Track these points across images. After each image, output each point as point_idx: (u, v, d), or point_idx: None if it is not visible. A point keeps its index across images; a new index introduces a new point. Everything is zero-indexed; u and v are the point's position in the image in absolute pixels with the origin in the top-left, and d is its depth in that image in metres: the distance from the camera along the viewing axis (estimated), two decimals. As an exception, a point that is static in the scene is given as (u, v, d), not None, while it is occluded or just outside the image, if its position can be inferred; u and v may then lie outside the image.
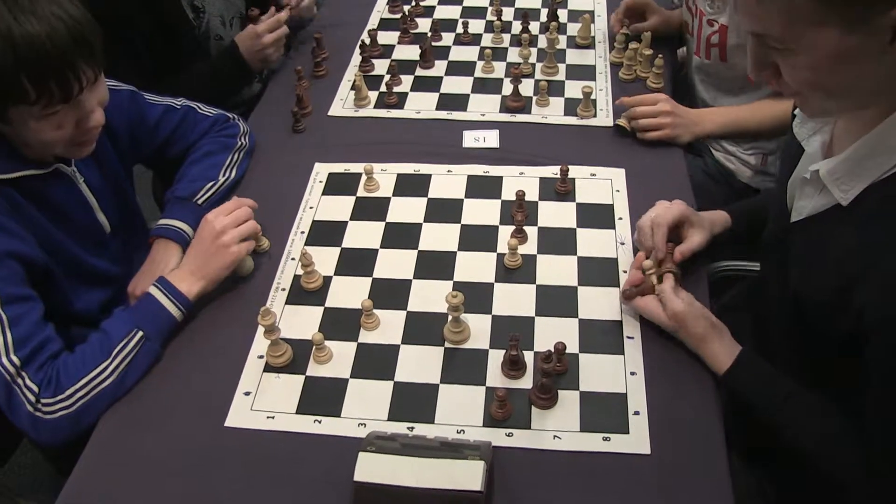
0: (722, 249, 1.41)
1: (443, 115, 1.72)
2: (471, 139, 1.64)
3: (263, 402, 1.17)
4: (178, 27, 1.79)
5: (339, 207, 1.50)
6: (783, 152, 1.23)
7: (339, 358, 1.22)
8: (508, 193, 1.49)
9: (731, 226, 1.33)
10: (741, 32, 1.59)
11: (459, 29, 1.97)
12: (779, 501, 1.32)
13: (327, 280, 1.35)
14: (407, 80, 1.82)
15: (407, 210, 1.48)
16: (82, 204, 1.35)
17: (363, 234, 1.44)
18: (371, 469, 0.98)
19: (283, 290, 1.34)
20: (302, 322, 1.28)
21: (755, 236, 1.28)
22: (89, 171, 1.37)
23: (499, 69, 1.84)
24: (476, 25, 1.99)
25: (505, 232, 1.41)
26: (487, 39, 1.95)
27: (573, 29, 1.95)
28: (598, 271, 1.33)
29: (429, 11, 2.07)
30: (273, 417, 1.15)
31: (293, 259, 1.39)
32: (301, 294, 1.33)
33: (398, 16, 2.04)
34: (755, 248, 1.30)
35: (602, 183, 1.51)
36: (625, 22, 1.86)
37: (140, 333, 1.19)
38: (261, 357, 1.23)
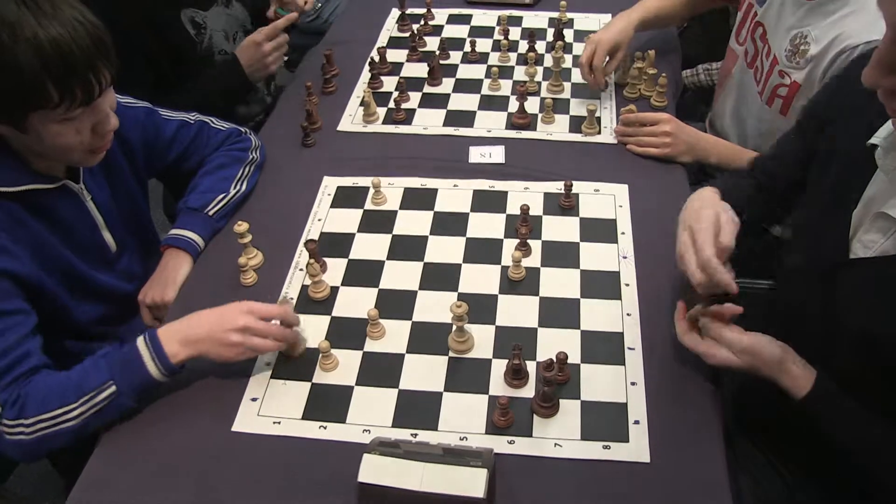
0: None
1: (450, 131, 1.75)
2: (477, 154, 1.67)
3: (270, 408, 1.19)
4: (179, 44, 1.80)
5: (346, 220, 1.52)
6: (837, 174, 1.15)
7: (344, 366, 1.24)
8: (513, 208, 1.52)
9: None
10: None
11: (467, 48, 2.01)
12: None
13: (334, 290, 1.37)
14: (415, 97, 1.86)
15: (413, 223, 1.51)
16: (88, 222, 1.36)
17: (370, 246, 1.46)
18: (375, 471, 1.00)
19: (292, 299, 1.36)
20: (309, 330, 1.30)
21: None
22: (99, 188, 1.37)
23: (505, 87, 1.87)
24: (483, 44, 2.02)
25: (509, 245, 1.44)
26: (494, 58, 1.98)
27: (578, 48, 1.98)
28: (600, 284, 1.35)
29: (437, 30, 2.11)
30: (279, 423, 1.17)
31: (301, 270, 1.42)
32: (308, 303, 1.35)
33: (407, 34, 2.09)
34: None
35: (605, 198, 1.54)
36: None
37: (113, 388, 1.13)
38: (268, 364, 1.25)
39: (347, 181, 1.62)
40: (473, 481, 0.98)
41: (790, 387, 1.08)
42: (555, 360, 1.14)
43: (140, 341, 1.17)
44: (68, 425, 1.12)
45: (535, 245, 1.43)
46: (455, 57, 2.00)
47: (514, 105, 1.78)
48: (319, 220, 1.53)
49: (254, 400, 1.20)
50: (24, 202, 1.23)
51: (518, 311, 1.32)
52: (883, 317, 1.02)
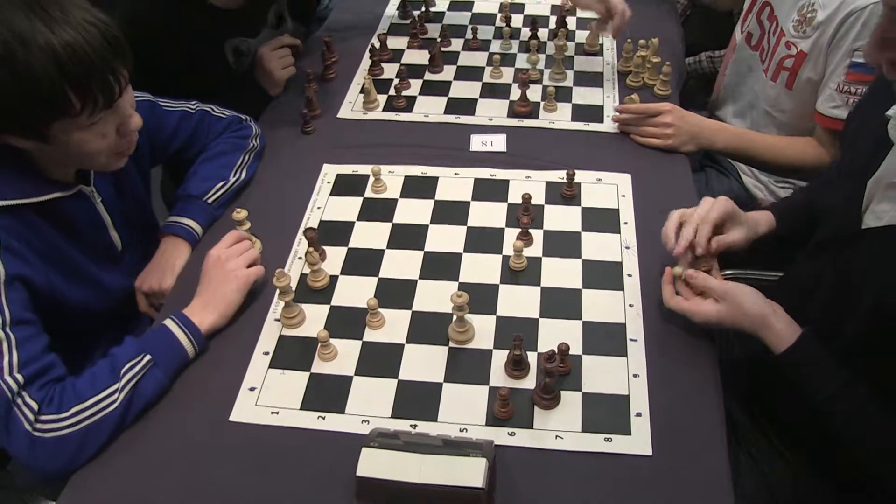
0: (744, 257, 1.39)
1: (451, 118, 1.73)
2: (478, 143, 1.65)
3: (268, 398, 1.18)
4: (215, 73, 1.77)
5: (346, 208, 1.51)
6: (850, 148, 1.18)
7: (343, 356, 1.23)
8: (515, 197, 1.50)
9: (776, 228, 1.29)
10: (818, 67, 1.53)
11: (468, 35, 1.99)
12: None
13: (334, 279, 1.36)
14: (416, 84, 1.84)
15: (414, 211, 1.49)
16: (97, 223, 1.34)
17: (370, 235, 1.45)
18: (374, 464, 0.99)
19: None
20: (308, 320, 1.29)
21: (801, 239, 1.25)
22: (106, 188, 1.36)
23: (507, 74, 1.85)
24: (485, 31, 2.00)
25: (510, 234, 1.42)
26: (496, 45, 1.96)
27: (581, 36, 1.97)
28: (602, 274, 1.34)
29: (438, 17, 2.09)
30: (277, 413, 1.16)
31: (300, 258, 1.40)
32: (307, 292, 1.34)
33: (408, 21, 2.07)
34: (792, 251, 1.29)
35: (608, 188, 1.52)
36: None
37: (148, 357, 1.16)
38: (266, 353, 1.24)
39: (347, 169, 1.60)
40: (473, 471, 0.97)
41: (772, 342, 1.11)
42: (556, 351, 1.13)
43: (169, 321, 1.22)
44: (111, 409, 1.10)
45: (537, 234, 1.42)
46: (456, 44, 1.98)
47: (515, 93, 1.76)
48: (319, 208, 1.51)
49: (252, 389, 1.19)
50: (40, 210, 1.21)
51: (519, 302, 1.30)
52: (884, 284, 1.04)
